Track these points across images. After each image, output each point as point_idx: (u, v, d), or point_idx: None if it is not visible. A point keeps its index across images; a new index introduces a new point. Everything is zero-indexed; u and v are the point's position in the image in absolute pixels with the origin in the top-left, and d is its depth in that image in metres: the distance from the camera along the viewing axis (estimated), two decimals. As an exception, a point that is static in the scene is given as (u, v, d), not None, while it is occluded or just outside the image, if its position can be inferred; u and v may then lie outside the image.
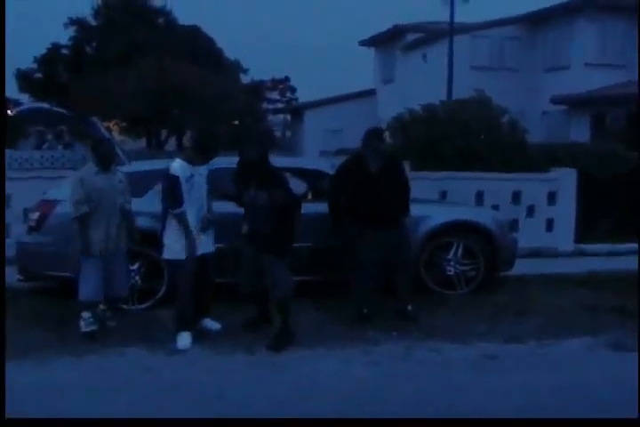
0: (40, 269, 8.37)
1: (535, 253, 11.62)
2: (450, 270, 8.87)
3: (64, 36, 49.88)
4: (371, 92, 37.66)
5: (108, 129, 33.59)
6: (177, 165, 7.00)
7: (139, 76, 37.18)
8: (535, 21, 28.47)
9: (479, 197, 12.16)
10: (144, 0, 49.30)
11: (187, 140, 41.02)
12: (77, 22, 49.58)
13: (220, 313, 7.52)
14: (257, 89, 55.01)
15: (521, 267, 9.55)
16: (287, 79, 65.62)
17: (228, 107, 38.69)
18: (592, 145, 16.17)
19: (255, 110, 46.96)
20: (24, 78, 50.27)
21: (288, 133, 50.36)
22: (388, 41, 35.38)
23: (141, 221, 7.72)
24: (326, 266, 8.49)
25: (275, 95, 64.79)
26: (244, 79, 53.46)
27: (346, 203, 7.73)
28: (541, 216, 12.51)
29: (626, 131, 18.96)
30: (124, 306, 7.78)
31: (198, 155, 7.08)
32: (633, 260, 10.26)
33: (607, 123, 22.72)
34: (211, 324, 7.41)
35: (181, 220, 6.94)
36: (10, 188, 11.21)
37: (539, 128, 23.94)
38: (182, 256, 6.96)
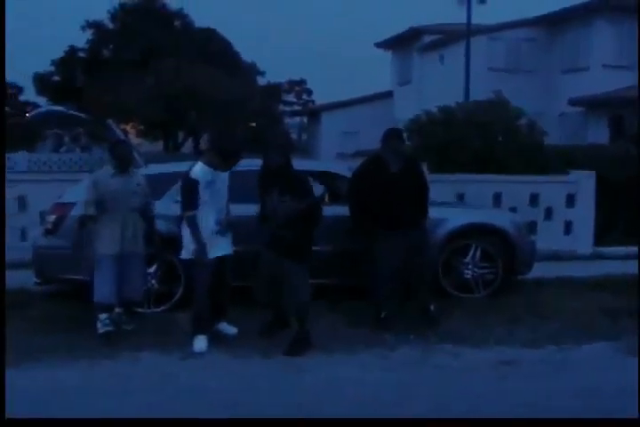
0: (56, 272, 8.37)
1: (553, 256, 11.51)
2: (467, 274, 8.79)
3: (81, 40, 50.14)
4: (387, 94, 37.59)
5: (125, 132, 33.74)
6: (198, 169, 6.98)
7: (155, 79, 37.31)
8: (552, 23, 28.32)
9: (497, 199, 12.08)
10: (161, 3, 49.43)
11: (203, 143, 41.11)
12: (94, 25, 49.81)
13: (236, 317, 7.49)
14: (273, 91, 55.03)
15: (539, 270, 9.45)
16: (304, 81, 65.65)
17: (245, 109, 38.72)
18: (608, 147, 16.05)
19: (272, 113, 46.99)
20: (42, 81, 50.54)
21: (304, 136, 50.34)
22: (404, 43, 35.32)
23: (158, 224, 7.70)
24: (344, 269, 8.43)
25: (291, 97, 64.82)
26: (261, 81, 53.58)
27: (364, 204, 7.68)
28: (559, 219, 12.41)
29: (640, 132, 18.83)
30: (140, 309, 7.75)
31: (221, 160, 7.05)
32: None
33: (625, 124, 22.56)
34: (227, 328, 7.38)
35: (191, 222, 6.94)
36: (26, 190, 11.25)
37: (556, 130, 23.79)
38: (204, 256, 6.97)
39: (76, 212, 8.01)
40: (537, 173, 12.58)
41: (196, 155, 7.93)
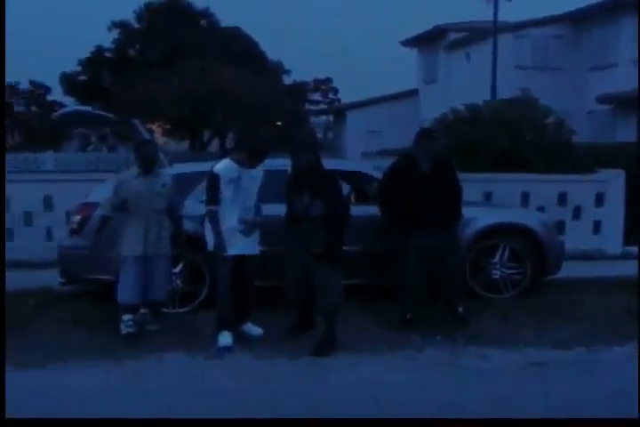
0: (81, 272, 8.36)
1: (582, 256, 11.36)
2: (495, 274, 8.69)
3: (108, 39, 50.36)
4: (413, 93, 37.46)
5: (151, 131, 33.85)
6: (221, 165, 7.04)
7: (181, 79, 37.36)
8: (580, 19, 28.08)
9: (524, 198, 11.95)
10: (186, 2, 49.51)
11: (229, 142, 41.19)
12: (120, 25, 49.97)
13: (260, 318, 7.44)
14: (299, 90, 54.96)
15: (567, 270, 9.30)
16: (329, 80, 65.54)
17: (271, 108, 38.72)
18: (637, 145, 15.84)
19: (298, 112, 46.95)
20: (69, 81, 50.82)
21: (330, 135, 50.29)
22: (430, 41, 35.18)
23: (184, 224, 7.66)
24: (372, 269, 8.34)
25: (317, 96, 64.74)
26: (287, 80, 53.53)
27: (395, 204, 7.59)
28: (588, 218, 12.28)
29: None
30: (165, 310, 7.71)
31: (247, 157, 7.05)
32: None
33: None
34: (252, 328, 7.33)
35: (212, 217, 7.00)
36: (52, 190, 11.27)
37: (584, 128, 23.57)
38: (223, 253, 6.99)
39: (99, 212, 8.01)
40: (565, 172, 12.43)
41: (222, 154, 7.93)
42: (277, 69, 51.63)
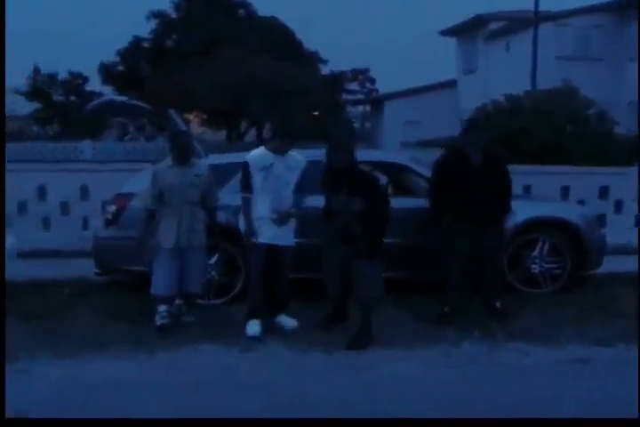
0: (116, 263, 8.33)
1: (623, 250, 11.13)
2: (535, 268, 8.53)
3: (145, 30, 50.52)
4: (452, 83, 37.22)
5: (188, 121, 33.90)
6: (254, 153, 7.10)
7: (218, 69, 37.34)
8: (621, 8, 27.65)
9: (565, 191, 11.75)
10: (224, -8, 49.49)
11: (266, 132, 41.28)
12: (158, 15, 50.15)
13: (295, 310, 7.38)
14: (336, 80, 54.74)
15: (608, 265, 9.11)
16: (367, 70, 65.18)
17: (308, 98, 38.63)
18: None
19: (335, 102, 46.80)
20: (107, 71, 51.08)
21: (367, 125, 50.10)
22: (469, 30, 34.87)
23: (219, 215, 7.60)
24: (409, 262, 8.24)
25: (354, 86, 64.41)
26: (324, 70, 53.31)
27: (444, 197, 7.47)
28: (630, 212, 12.03)
29: None
30: (201, 301, 7.66)
31: (278, 142, 7.07)
32: None
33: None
34: (286, 320, 7.27)
35: (243, 204, 7.07)
36: (88, 179, 11.29)
37: (625, 119, 23.18)
38: (253, 239, 7.01)
39: (135, 202, 7.96)
40: (607, 165, 12.21)
41: (259, 144, 7.92)
42: (314, 59, 51.46)
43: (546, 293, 8.43)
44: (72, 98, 54.30)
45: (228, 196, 7.61)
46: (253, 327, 7.01)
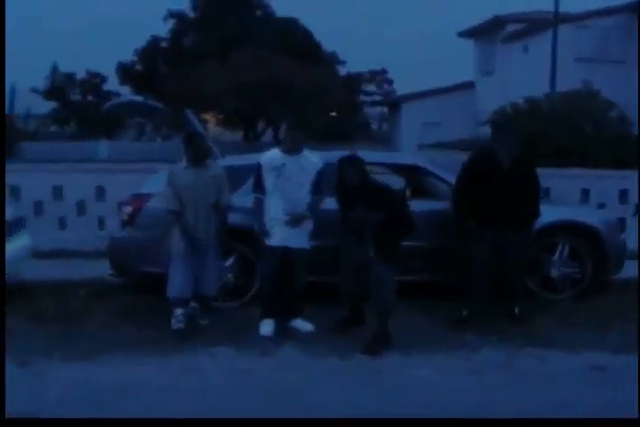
0: (132, 264, 8.24)
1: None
2: (554, 272, 8.40)
3: (163, 29, 50.62)
4: (469, 85, 37.04)
5: (205, 121, 33.89)
6: (267, 153, 7.13)
7: (236, 69, 37.33)
8: (642, 10, 27.35)
9: (584, 195, 11.63)
10: (242, -8, 49.50)
11: (282, 133, 41.29)
12: (176, 15, 50.25)
13: (310, 313, 7.32)
14: (354, 81, 54.68)
15: (628, 270, 8.97)
16: (385, 71, 65.07)
17: (325, 99, 38.57)
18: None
19: (352, 103, 46.71)
20: (124, 71, 51.21)
21: (384, 126, 49.98)
22: (487, 32, 34.68)
23: (235, 217, 7.55)
24: (426, 266, 8.15)
25: (372, 87, 64.31)
26: (342, 71, 53.26)
27: (471, 202, 7.37)
28: (649, 216, 11.88)
29: None
30: (216, 304, 7.60)
31: (287, 141, 7.11)
32: None
33: None
34: (302, 324, 7.22)
35: (255, 205, 7.10)
36: (104, 180, 11.25)
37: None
38: (265, 240, 7.04)
39: (152, 203, 7.89)
40: (627, 168, 12.06)
41: (276, 145, 7.91)
42: (332, 60, 51.43)
43: (565, 298, 8.31)
44: (89, 97, 54.49)
45: (245, 198, 7.53)
46: (266, 327, 7.02)
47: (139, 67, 51.73)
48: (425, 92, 38.30)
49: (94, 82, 55.08)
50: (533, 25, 30.21)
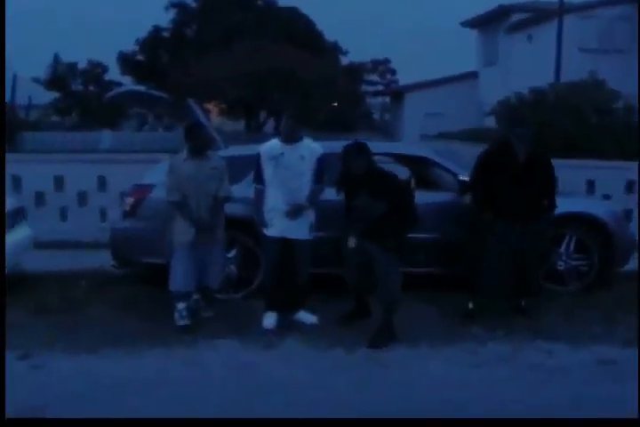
0: (134, 255, 8.16)
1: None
2: (561, 265, 8.31)
3: (165, 19, 50.39)
4: (472, 75, 36.94)
5: (207, 111, 33.77)
6: (267, 143, 7.05)
7: (238, 59, 37.18)
8: (648, -1, 27.20)
9: (590, 186, 11.53)
10: (244, -18, 49.24)
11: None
12: (178, 5, 49.97)
13: (315, 305, 7.25)
14: (356, 71, 54.45)
15: (634, 263, 8.81)
16: (388, 61, 64.89)
17: (328, 89, 38.42)
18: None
19: (354, 93, 46.52)
20: (126, 61, 51.00)
21: (387, 116, 49.82)
22: (491, 22, 34.52)
23: (238, 208, 7.46)
24: (431, 258, 8.06)
25: (375, 77, 64.12)
26: (344, 61, 53.04)
27: (488, 195, 7.28)
28: (657, 207, 11.78)
29: None
30: (219, 295, 7.52)
31: (283, 129, 7.01)
32: None
33: None
34: (306, 316, 7.14)
35: (255, 195, 7.04)
36: (106, 170, 11.17)
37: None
38: (264, 230, 6.99)
39: (155, 194, 7.80)
40: (634, 159, 11.96)
41: (277, 135, 7.84)
42: (335, 50, 51.21)
43: (572, 290, 8.23)
44: (91, 87, 54.30)
45: (248, 188, 7.44)
46: (268, 320, 6.98)
47: (140, 57, 51.49)
48: (428, 82, 38.20)
49: (96, 72, 54.85)
50: (538, 15, 30.04)
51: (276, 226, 6.92)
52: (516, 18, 32.03)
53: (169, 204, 6.98)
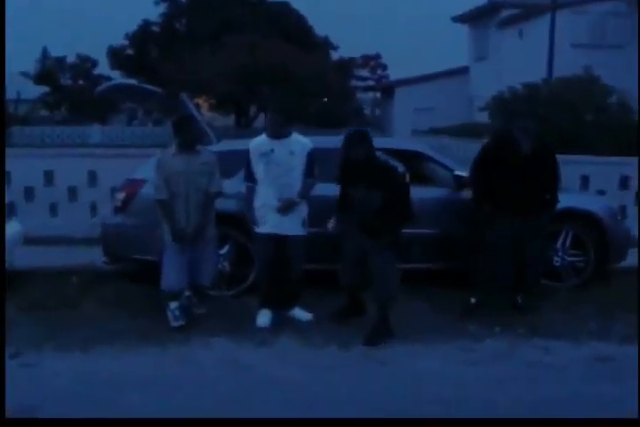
0: (125, 251, 8.08)
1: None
2: (557, 261, 8.25)
3: (155, 13, 50.20)
4: (463, 70, 36.90)
5: (197, 105, 33.65)
6: (255, 139, 6.94)
7: (228, 53, 37.09)
8: (639, -5, 27.14)
9: (584, 181, 11.48)
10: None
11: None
12: (168, -1, 49.80)
13: (309, 302, 7.17)
14: (347, 66, 54.35)
15: (631, 258, 8.80)
16: (378, 56, 64.83)
17: (318, 84, 38.35)
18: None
19: (344, 88, 46.44)
20: (115, 55, 50.81)
21: (377, 112, 49.76)
22: (482, 17, 34.48)
23: (230, 204, 7.38)
24: (426, 253, 8.00)
25: (365, 72, 64.04)
26: (334, 56, 52.94)
27: (486, 185, 7.22)
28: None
29: None
30: (212, 292, 7.42)
31: (269, 125, 6.88)
32: None
33: None
34: (301, 313, 7.08)
35: (246, 193, 6.99)
36: (96, 165, 11.05)
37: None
38: (255, 228, 6.93)
39: (146, 189, 7.70)
40: (628, 154, 11.91)
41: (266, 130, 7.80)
42: (325, 45, 51.12)
43: (568, 286, 8.17)
44: (80, 82, 54.04)
45: (239, 183, 7.33)
46: (262, 318, 6.91)
47: (130, 51, 51.30)
48: (419, 77, 38.11)
49: (85, 66, 54.57)
50: (529, 10, 30.00)
51: (269, 222, 6.84)
52: (506, 13, 31.97)
53: (155, 202, 6.86)
